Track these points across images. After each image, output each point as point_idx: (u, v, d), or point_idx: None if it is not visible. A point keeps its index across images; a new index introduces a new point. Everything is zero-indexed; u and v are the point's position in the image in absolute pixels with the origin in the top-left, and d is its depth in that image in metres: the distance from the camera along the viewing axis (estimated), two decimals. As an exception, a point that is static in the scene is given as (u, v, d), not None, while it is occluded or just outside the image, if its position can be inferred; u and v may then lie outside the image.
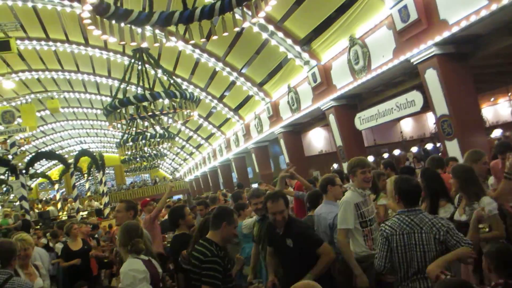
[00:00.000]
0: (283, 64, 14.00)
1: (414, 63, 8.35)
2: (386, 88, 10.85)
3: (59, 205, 21.60)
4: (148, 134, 13.84)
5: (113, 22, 5.25)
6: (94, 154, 20.20)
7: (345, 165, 10.68)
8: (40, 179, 35.70)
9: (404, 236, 3.14)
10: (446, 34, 7.38)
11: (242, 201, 6.29)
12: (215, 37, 5.77)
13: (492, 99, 19.38)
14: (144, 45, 7.36)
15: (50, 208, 20.31)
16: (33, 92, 20.77)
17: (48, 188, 39.64)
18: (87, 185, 26.48)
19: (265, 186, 8.90)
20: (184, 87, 15.55)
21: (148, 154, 17.67)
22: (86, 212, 19.85)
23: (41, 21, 14.93)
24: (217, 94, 18.40)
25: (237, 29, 5.68)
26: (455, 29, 7.19)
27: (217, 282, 3.18)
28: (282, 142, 15.65)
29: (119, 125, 11.10)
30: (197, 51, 14.92)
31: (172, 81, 11.01)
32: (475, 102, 8.76)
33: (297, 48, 11.91)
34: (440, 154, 9.74)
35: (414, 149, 18.33)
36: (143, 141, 13.65)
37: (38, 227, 13.89)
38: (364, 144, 12.89)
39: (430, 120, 19.73)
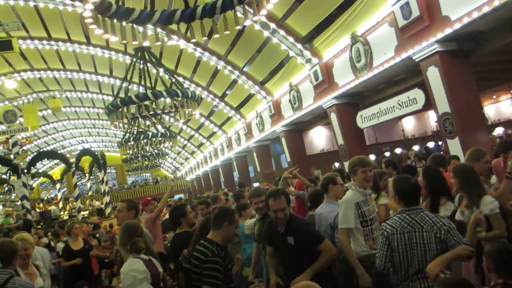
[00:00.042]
0: (284, 62, 13.98)
1: (416, 60, 8.31)
2: (388, 86, 10.83)
3: (60, 205, 21.62)
4: (150, 133, 13.84)
5: (115, 21, 5.25)
6: (96, 153, 20.23)
7: (346, 164, 10.67)
8: (41, 179, 35.74)
9: (405, 235, 3.14)
10: (448, 31, 7.34)
11: (244, 200, 6.26)
12: (216, 36, 5.77)
13: (494, 96, 19.36)
14: (146, 44, 7.37)
15: (52, 207, 20.36)
16: (35, 92, 20.82)
17: (50, 188, 39.70)
18: (88, 185, 26.52)
19: (266, 185, 8.89)
20: (185, 86, 15.53)
21: (149, 153, 17.69)
22: (87, 212, 19.90)
23: (43, 20, 14.94)
24: (218, 93, 18.40)
25: (238, 27, 5.67)
26: (457, 26, 7.16)
27: (217, 282, 3.17)
28: (283, 140, 15.63)
29: (120, 124, 11.09)
30: (199, 49, 14.91)
31: (173, 80, 11.00)
32: (477, 100, 8.74)
33: (299, 46, 11.89)
34: (441, 152, 9.70)
35: (416, 148, 18.31)
36: (145, 140, 13.66)
37: (40, 226, 13.91)
38: (365, 142, 12.86)
39: (431, 118, 19.72)
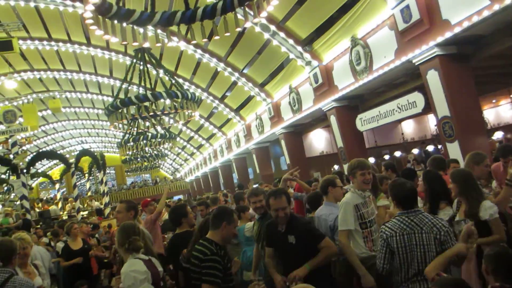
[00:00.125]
0: (284, 65, 14.00)
1: (416, 64, 8.33)
2: (387, 89, 10.83)
3: (59, 205, 21.61)
4: (149, 134, 13.84)
5: (115, 22, 5.25)
6: (95, 154, 20.23)
7: (346, 167, 10.68)
8: (41, 179, 35.75)
9: (404, 236, 3.15)
10: (448, 34, 7.36)
11: (244, 202, 6.26)
12: (217, 37, 5.76)
13: (493, 101, 19.36)
14: (146, 45, 7.38)
15: (52, 207, 20.34)
16: (35, 92, 20.81)
17: (49, 188, 39.68)
18: (87, 185, 26.52)
19: (265, 187, 8.90)
20: (185, 87, 15.55)
21: (149, 154, 17.66)
22: (86, 212, 19.89)
23: (43, 21, 14.96)
24: (218, 95, 18.41)
25: (239, 29, 5.68)
26: (457, 30, 7.18)
27: (217, 281, 3.17)
28: (283, 143, 15.65)
29: (120, 125, 11.10)
30: (199, 51, 14.93)
31: (173, 81, 11.01)
32: (477, 104, 8.75)
33: (299, 48, 11.91)
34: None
35: (415, 151, 18.31)
36: (144, 141, 13.65)
37: (39, 226, 13.91)
38: (365, 145, 12.88)
39: (431, 121, 19.73)
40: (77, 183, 19.39)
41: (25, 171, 16.47)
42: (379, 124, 10.41)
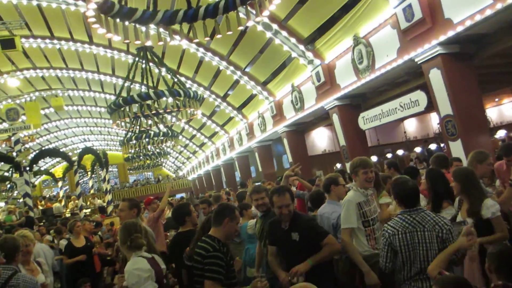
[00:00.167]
0: (287, 63, 13.99)
1: (418, 62, 8.31)
2: (390, 88, 10.82)
3: (62, 202, 21.68)
4: (152, 133, 13.87)
5: (118, 20, 5.27)
6: (98, 152, 20.31)
7: (348, 165, 10.68)
8: (43, 176, 35.83)
9: (406, 235, 3.15)
10: (450, 33, 7.34)
11: (246, 201, 6.28)
12: (219, 36, 5.78)
13: (496, 99, 19.33)
14: (148, 43, 7.38)
15: (56, 204, 20.44)
16: (37, 90, 20.89)
17: (52, 186, 39.78)
18: (90, 183, 26.61)
19: (268, 184, 8.91)
20: (187, 85, 15.60)
21: (151, 153, 17.73)
22: (89, 210, 19.96)
23: (46, 19, 14.98)
24: (220, 93, 18.42)
25: (241, 28, 5.69)
26: (459, 29, 7.16)
27: (219, 277, 3.17)
28: (285, 141, 15.64)
29: (122, 123, 11.13)
30: (201, 49, 14.94)
31: (176, 80, 11.03)
32: (479, 103, 8.72)
33: (301, 47, 11.90)
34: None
35: (418, 149, 18.29)
36: (147, 140, 13.68)
37: (42, 224, 13.97)
38: (367, 144, 12.86)
39: (434, 120, 19.70)
40: (79, 181, 19.49)
41: (28, 169, 16.56)
42: (382, 122, 10.40)
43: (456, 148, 7.94)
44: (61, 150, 27.58)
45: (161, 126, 14.08)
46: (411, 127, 21.16)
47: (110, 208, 18.33)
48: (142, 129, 13.48)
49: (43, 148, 26.87)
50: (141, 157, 18.04)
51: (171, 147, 18.83)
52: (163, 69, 11.94)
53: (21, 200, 17.09)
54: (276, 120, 15.65)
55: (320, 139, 19.70)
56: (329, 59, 11.48)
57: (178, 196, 27.33)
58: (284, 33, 11.81)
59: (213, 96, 18.53)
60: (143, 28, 5.87)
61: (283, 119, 15.16)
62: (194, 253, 3.37)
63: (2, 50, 13.38)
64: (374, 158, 15.25)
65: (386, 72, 9.29)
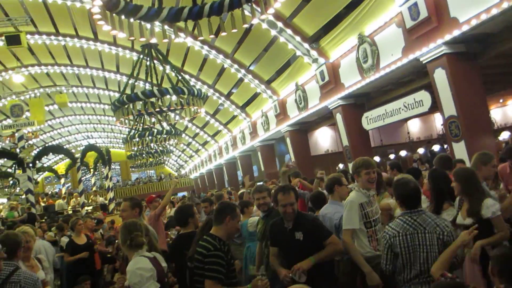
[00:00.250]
0: (291, 62, 13.97)
1: (423, 62, 8.26)
2: (394, 88, 10.77)
3: (65, 199, 21.74)
4: (155, 130, 13.85)
5: (123, 17, 5.26)
6: (101, 149, 20.32)
7: (351, 165, 10.64)
8: (46, 173, 35.95)
9: (407, 237, 3.14)
10: (456, 32, 7.28)
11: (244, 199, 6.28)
12: (223, 34, 5.76)
13: (501, 100, 19.21)
14: (153, 41, 7.37)
15: (59, 201, 20.49)
16: (42, 86, 20.95)
17: (54, 182, 39.92)
18: (93, 180, 26.61)
19: (271, 184, 8.89)
20: (192, 83, 15.58)
21: (154, 150, 17.71)
22: (91, 207, 20.00)
23: (51, 15, 15.01)
24: (224, 91, 18.41)
25: (246, 25, 5.67)
26: (465, 28, 7.11)
27: (219, 276, 3.16)
28: (288, 140, 15.62)
29: (126, 121, 11.12)
30: (206, 47, 14.93)
31: (180, 77, 11.01)
32: (484, 103, 8.66)
33: (306, 45, 11.86)
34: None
35: (421, 150, 18.24)
36: (150, 137, 13.67)
37: (43, 220, 14.00)
38: (370, 144, 12.82)
39: (437, 121, 19.62)
40: (82, 178, 19.52)
41: (31, 165, 16.61)
42: (385, 123, 10.35)
43: (460, 150, 7.89)
44: (64, 146, 27.67)
45: (164, 124, 14.07)
46: (414, 127, 21.09)
47: (112, 206, 18.35)
48: (146, 126, 13.46)
49: (47, 145, 26.90)
50: (144, 155, 18.04)
51: (174, 145, 18.82)
52: (168, 67, 11.92)
53: (24, 196, 17.14)
54: (279, 119, 15.63)
55: (323, 139, 19.66)
56: (334, 57, 11.45)
57: (180, 194, 27.38)
58: (289, 31, 11.78)
59: (217, 94, 18.53)
60: (148, 25, 5.86)
61: (286, 118, 15.13)
62: (195, 253, 3.35)
63: (8, 46, 13.43)
64: (377, 159, 15.22)
65: (391, 72, 9.24)
